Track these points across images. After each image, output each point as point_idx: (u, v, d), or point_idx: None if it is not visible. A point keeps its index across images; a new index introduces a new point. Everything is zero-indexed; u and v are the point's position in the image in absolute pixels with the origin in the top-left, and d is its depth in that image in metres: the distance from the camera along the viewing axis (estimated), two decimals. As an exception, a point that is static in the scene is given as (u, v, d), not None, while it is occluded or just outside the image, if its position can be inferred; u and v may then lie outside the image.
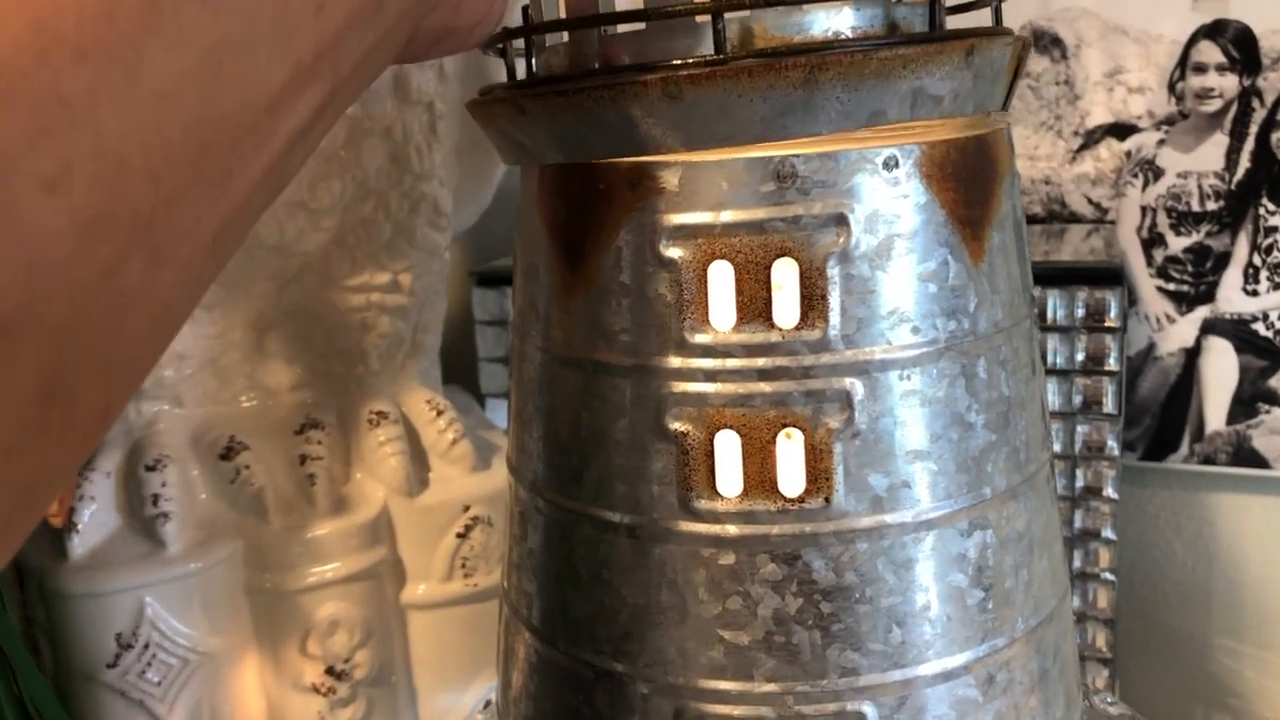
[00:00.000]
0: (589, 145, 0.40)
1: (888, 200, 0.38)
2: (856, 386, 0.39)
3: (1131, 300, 0.89)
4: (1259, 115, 0.83)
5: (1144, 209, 0.87)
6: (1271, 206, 0.84)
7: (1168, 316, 0.88)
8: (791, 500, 0.39)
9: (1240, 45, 0.82)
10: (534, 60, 0.42)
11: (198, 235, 0.24)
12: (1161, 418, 0.90)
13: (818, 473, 0.39)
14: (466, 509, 0.63)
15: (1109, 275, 0.69)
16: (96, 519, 0.58)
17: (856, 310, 0.39)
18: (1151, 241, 0.87)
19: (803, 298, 0.38)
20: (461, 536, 0.63)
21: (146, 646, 0.56)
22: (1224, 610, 0.97)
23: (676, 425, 0.40)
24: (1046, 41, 0.87)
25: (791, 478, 0.39)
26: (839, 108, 0.36)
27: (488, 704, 0.59)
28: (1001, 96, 0.41)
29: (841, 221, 0.38)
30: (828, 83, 0.36)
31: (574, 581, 0.43)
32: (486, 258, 1.00)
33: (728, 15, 0.37)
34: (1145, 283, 0.88)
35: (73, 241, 0.21)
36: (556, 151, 0.41)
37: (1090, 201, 0.88)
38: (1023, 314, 0.43)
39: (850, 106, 0.37)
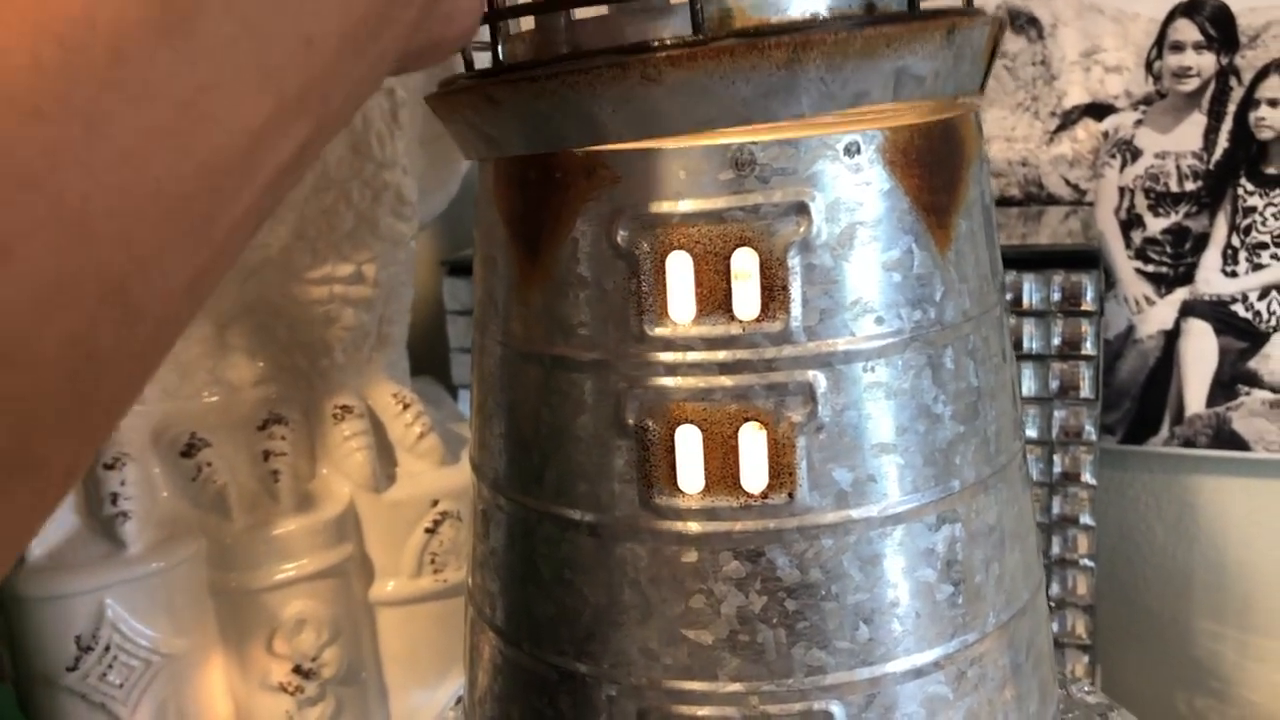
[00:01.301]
0: (563, 134, 0.39)
1: (850, 188, 0.38)
2: (819, 379, 0.38)
3: (1110, 283, 0.88)
4: (1237, 94, 0.82)
5: (1122, 190, 0.86)
6: (1250, 186, 0.83)
7: (1146, 299, 0.88)
8: (754, 496, 0.38)
9: (1217, 23, 0.82)
10: (500, 48, 0.41)
11: (174, 287, 0.23)
12: (1141, 400, 0.90)
13: (781, 468, 0.38)
14: (435, 504, 0.62)
15: (1085, 258, 0.68)
16: (54, 520, 0.57)
17: (819, 301, 0.38)
18: (1130, 223, 0.87)
19: (763, 289, 0.38)
20: (430, 532, 0.62)
21: (108, 649, 0.55)
22: (1205, 593, 0.96)
23: (636, 420, 0.39)
24: (1023, 21, 0.86)
25: (754, 473, 0.38)
26: (822, 89, 0.35)
27: (459, 700, 0.58)
28: (980, 78, 0.40)
29: (802, 210, 0.37)
30: (811, 63, 0.35)
31: (536, 581, 0.42)
32: (458, 246, 0.99)
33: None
34: (1124, 265, 0.88)
35: (30, 312, 0.20)
36: (526, 142, 0.40)
37: (1068, 183, 0.87)
38: (992, 302, 0.42)
39: (834, 87, 0.36)
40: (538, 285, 0.41)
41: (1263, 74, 0.81)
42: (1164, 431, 0.90)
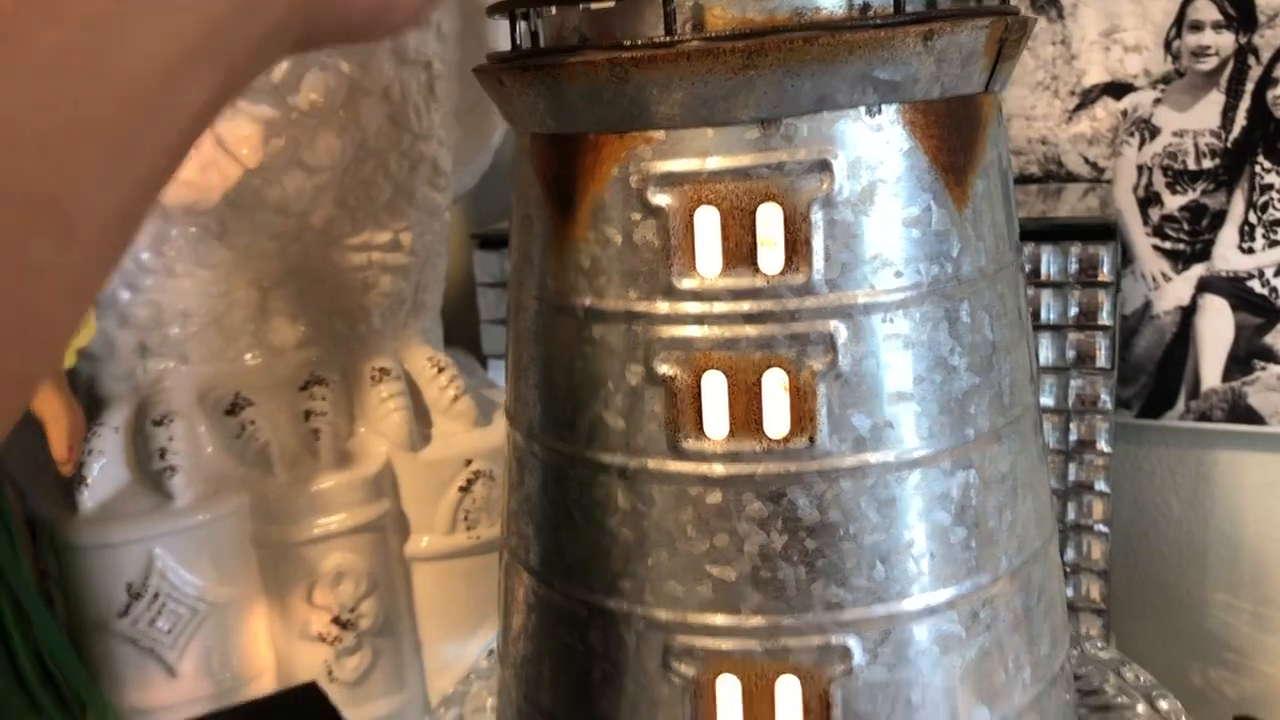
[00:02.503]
0: (555, 118, 0.41)
1: (871, 146, 0.39)
2: (840, 329, 0.40)
3: (1128, 259, 0.90)
4: (1255, 73, 0.83)
5: (1140, 168, 0.87)
6: (1267, 164, 0.84)
7: (1164, 275, 0.89)
8: (776, 440, 0.40)
9: (1237, 3, 0.82)
10: (518, 33, 0.43)
11: (105, 212, 0.25)
12: (1158, 375, 0.91)
13: (802, 413, 0.40)
14: (469, 463, 0.64)
15: (1102, 231, 0.69)
16: (106, 473, 0.59)
17: (840, 255, 0.39)
18: (1148, 200, 0.88)
19: (787, 243, 0.39)
20: (464, 490, 0.64)
21: (156, 596, 0.58)
22: (1220, 566, 0.97)
23: (665, 369, 0.41)
24: (1043, 1, 0.87)
25: (776, 418, 0.40)
26: (782, 91, 0.37)
27: (491, 653, 0.60)
28: (981, 79, 0.41)
29: (825, 167, 0.39)
30: (767, 67, 0.36)
31: (569, 523, 0.44)
32: (488, 220, 1.01)
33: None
34: (1141, 241, 0.89)
35: None
36: (537, 120, 0.42)
37: (1087, 161, 0.89)
38: (1008, 260, 0.44)
39: (794, 91, 0.37)
40: (572, 241, 0.42)
41: (1280, 53, 0.82)
42: (1180, 406, 0.91)
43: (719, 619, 0.42)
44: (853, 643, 0.41)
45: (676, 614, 0.42)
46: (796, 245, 0.39)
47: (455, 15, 0.64)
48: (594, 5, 0.41)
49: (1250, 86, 0.84)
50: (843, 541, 0.41)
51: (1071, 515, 0.73)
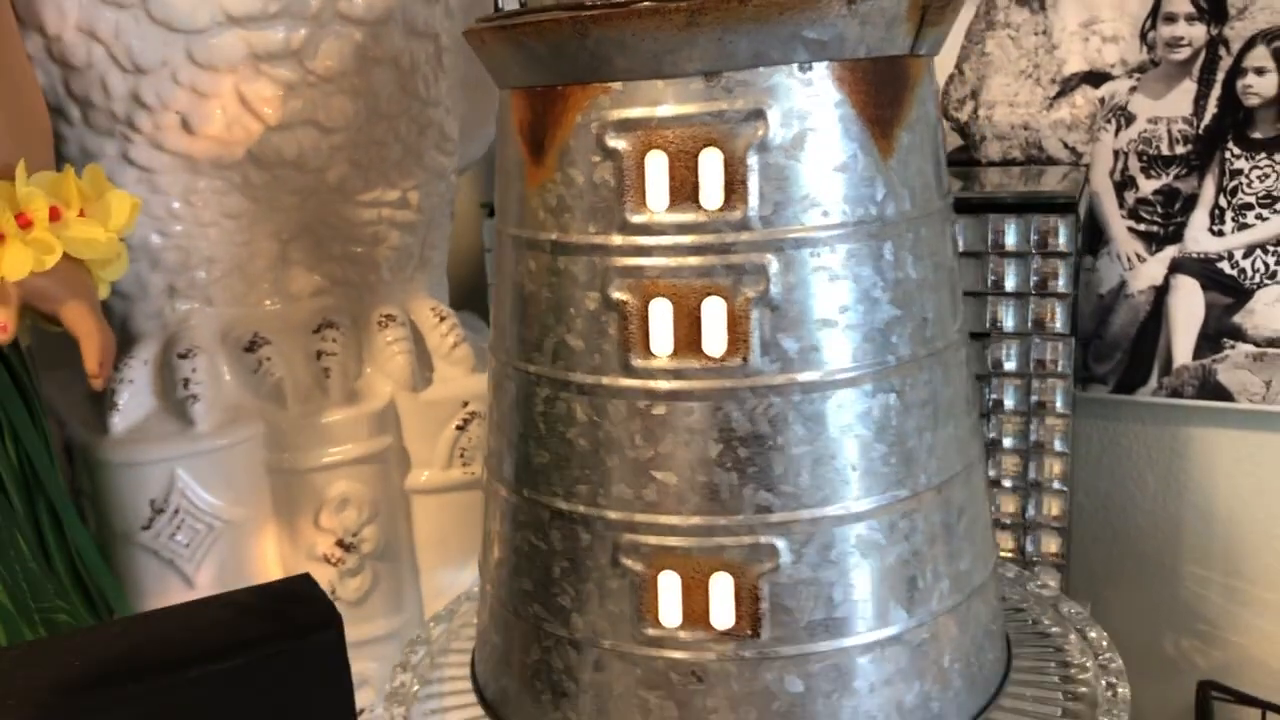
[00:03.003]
0: (528, 72, 0.46)
1: (803, 99, 0.44)
2: (772, 261, 0.44)
3: (1105, 240, 0.93)
4: (1225, 63, 0.87)
5: (1116, 153, 0.91)
6: (1237, 150, 0.88)
7: (1138, 255, 0.92)
8: (714, 359, 0.45)
9: (1209, -5, 0.86)
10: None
11: None
12: (1132, 352, 0.94)
13: (737, 336, 0.45)
14: (465, 404, 0.69)
15: (1062, 206, 0.73)
16: (135, 400, 0.65)
17: (773, 195, 0.44)
18: (1123, 184, 0.91)
19: (726, 183, 0.44)
20: (460, 429, 0.69)
21: (176, 512, 0.63)
22: (1194, 539, 1.01)
23: (618, 295, 0.45)
24: (1027, -7, 0.91)
25: (715, 340, 0.45)
26: (721, 48, 0.42)
27: (481, 578, 0.65)
28: (906, 43, 0.46)
29: (760, 116, 0.43)
30: (708, 25, 0.41)
31: (535, 435, 0.49)
32: (502, 195, 1.06)
33: None
34: (1117, 223, 0.93)
35: None
36: (514, 75, 0.48)
37: (1066, 146, 0.92)
38: (934, 207, 0.48)
39: (733, 47, 0.42)
40: (542, 183, 0.47)
41: (1250, 44, 0.86)
42: (1153, 382, 0.94)
43: (661, 519, 0.46)
44: (780, 543, 0.46)
45: (625, 515, 0.47)
46: (734, 185, 0.44)
47: (463, -8, 0.69)
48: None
49: (1221, 76, 0.87)
50: (771, 451, 0.45)
51: (1032, 474, 0.77)
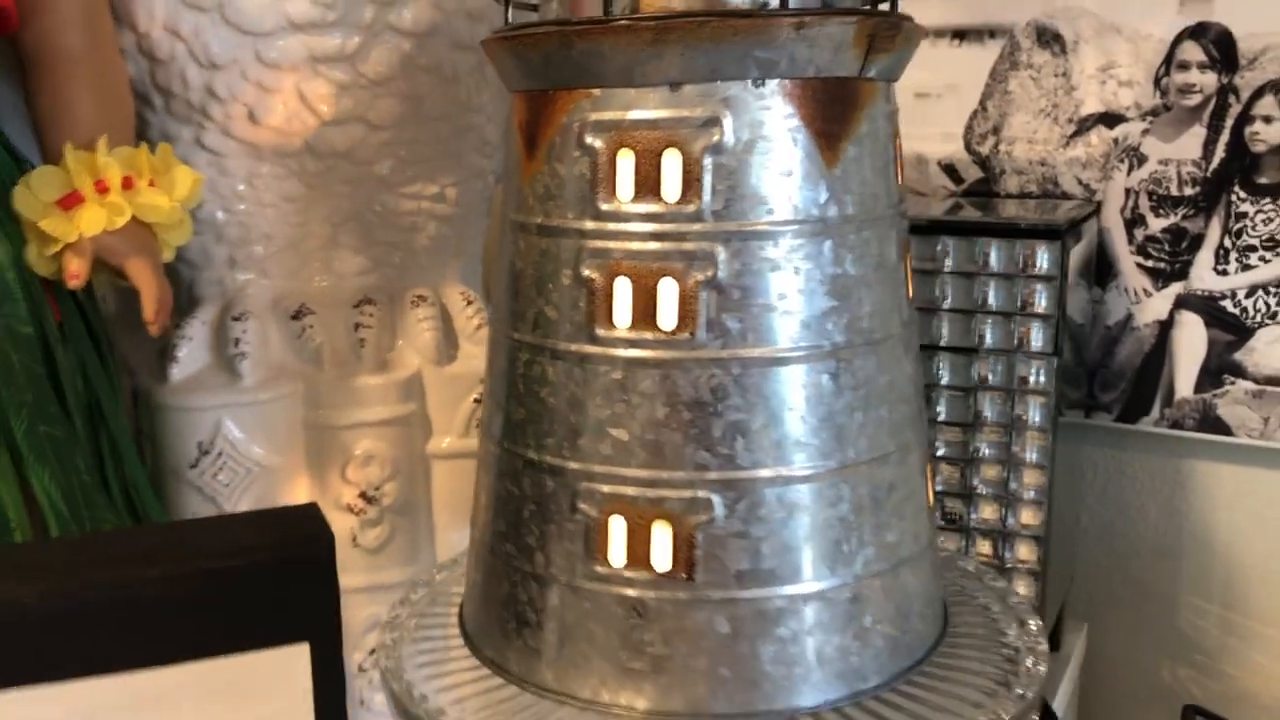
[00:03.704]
0: (526, 77, 0.53)
1: (755, 110, 0.50)
2: (720, 250, 0.50)
3: (1113, 274, 0.97)
4: (1234, 110, 0.90)
5: (1128, 191, 0.95)
6: (1243, 194, 0.91)
7: (1145, 290, 0.96)
8: (666, 333, 0.51)
9: (1220, 46, 0.90)
10: (509, 13, 0.56)
11: None
12: (1136, 383, 0.98)
13: (686, 313, 0.51)
14: (483, 380, 0.76)
15: (1047, 232, 0.78)
16: (192, 355, 0.73)
17: (725, 192, 0.50)
18: (1133, 221, 0.95)
19: (684, 180, 0.50)
20: (478, 401, 0.76)
21: (220, 454, 0.71)
22: (1193, 571, 1.03)
23: (588, 272, 0.52)
24: (1048, 37, 0.95)
25: (667, 316, 0.51)
26: (683, 62, 0.48)
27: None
28: (855, 66, 0.51)
29: (715, 123, 0.50)
30: (672, 43, 0.48)
31: (515, 394, 0.56)
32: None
33: None
34: (1126, 259, 0.96)
35: None
36: (516, 80, 0.55)
37: (1080, 183, 0.96)
38: (878, 214, 0.54)
39: (693, 63, 0.48)
40: (533, 173, 0.54)
41: (1259, 93, 0.89)
42: (1155, 413, 0.98)
43: (614, 470, 0.52)
44: (715, 498, 0.51)
45: (584, 465, 0.53)
46: (690, 182, 0.50)
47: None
48: (557, -7, 0.53)
49: (1229, 122, 0.91)
50: (711, 417, 0.51)
51: (1012, 485, 0.81)
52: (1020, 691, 0.56)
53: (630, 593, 0.52)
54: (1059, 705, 0.95)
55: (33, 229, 0.60)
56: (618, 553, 0.53)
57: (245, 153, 0.72)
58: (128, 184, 0.61)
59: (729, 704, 0.52)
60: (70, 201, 0.60)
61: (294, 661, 0.53)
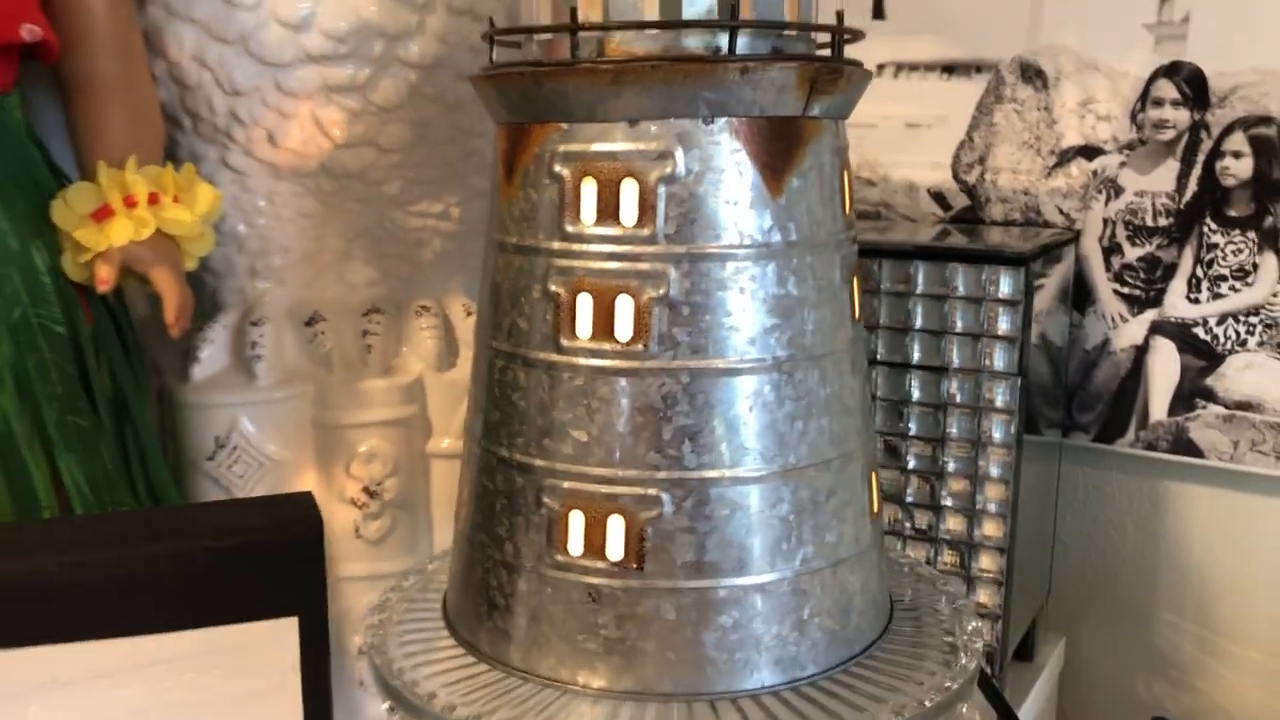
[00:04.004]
0: (506, 111, 0.59)
1: (706, 145, 0.55)
2: (671, 270, 0.55)
3: (1091, 300, 1.01)
4: (1206, 145, 0.94)
5: (1105, 221, 0.99)
6: (1214, 226, 0.95)
7: (1121, 316, 1.00)
8: (622, 344, 0.56)
9: (1192, 84, 0.93)
10: (493, 54, 0.61)
11: None
12: (1112, 405, 1.01)
13: (641, 327, 0.56)
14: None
15: (1011, 258, 0.82)
16: (213, 356, 0.79)
17: (676, 218, 0.55)
18: (1110, 250, 0.99)
19: (640, 206, 0.55)
20: (475, 406, 0.82)
21: (235, 448, 0.77)
22: (1168, 588, 1.06)
23: (554, 288, 0.57)
24: (1031, 72, 1.00)
25: (624, 328, 0.56)
26: (639, 103, 0.53)
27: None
28: (798, 106, 0.56)
29: (668, 156, 0.55)
30: (628, 84, 0.53)
31: (492, 398, 0.61)
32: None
33: (582, 34, 0.55)
34: (1103, 285, 1.00)
35: None
36: (499, 113, 0.60)
37: (1061, 212, 1.00)
38: (821, 241, 0.58)
39: (647, 102, 0.53)
40: (510, 198, 0.60)
41: (1228, 130, 0.93)
42: (1130, 434, 1.01)
43: (573, 468, 0.57)
44: (664, 496, 0.56)
45: (547, 463, 0.58)
46: (645, 209, 0.55)
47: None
48: (538, 38, 0.59)
49: (1201, 157, 0.94)
50: (661, 421, 0.56)
51: (977, 498, 0.85)
52: (949, 684, 0.60)
53: (587, 580, 0.57)
54: (1031, 712, 0.98)
55: (68, 239, 0.67)
56: (576, 543, 0.58)
57: (265, 172, 0.78)
58: (154, 199, 0.67)
59: (674, 684, 0.57)
60: (102, 214, 0.67)
61: (285, 633, 0.58)
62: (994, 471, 0.84)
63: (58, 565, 0.54)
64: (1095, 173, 0.99)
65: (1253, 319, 0.94)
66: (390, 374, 0.81)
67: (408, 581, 0.72)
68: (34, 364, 0.63)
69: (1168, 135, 0.95)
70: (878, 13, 1.06)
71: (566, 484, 0.58)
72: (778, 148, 0.56)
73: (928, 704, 0.58)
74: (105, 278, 0.66)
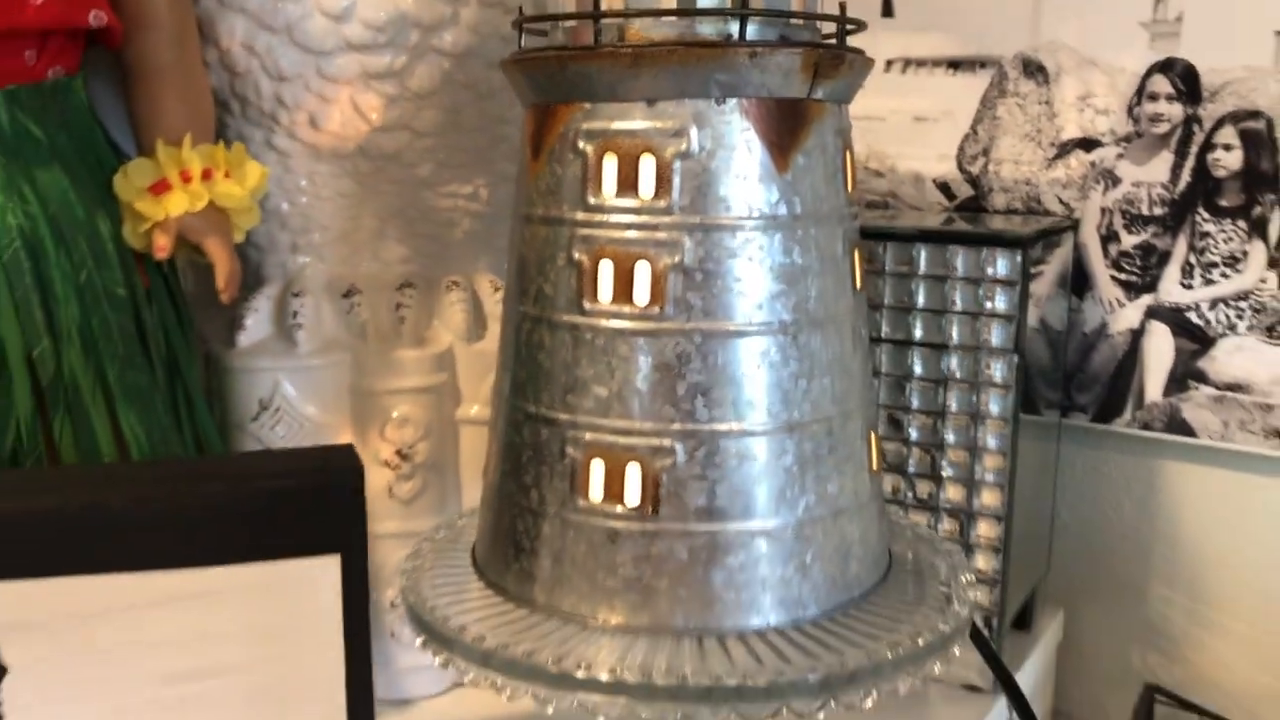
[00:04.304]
0: (534, 93, 0.63)
1: (718, 123, 0.60)
2: (686, 239, 0.60)
3: (1090, 285, 1.05)
4: (1198, 138, 0.98)
5: (1103, 210, 1.03)
6: (1206, 215, 0.99)
7: (1118, 301, 1.04)
8: (640, 307, 0.61)
9: (1186, 79, 0.97)
10: (522, 40, 0.66)
11: None
12: (1109, 386, 1.05)
13: (657, 291, 0.60)
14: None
15: (1009, 240, 0.86)
16: (257, 325, 0.84)
17: (690, 191, 0.60)
18: (1108, 238, 1.03)
19: (656, 180, 0.60)
20: (501, 376, 0.87)
21: (278, 410, 0.82)
22: (1162, 563, 1.10)
23: (578, 255, 0.62)
24: (1033, 68, 1.04)
25: (641, 292, 0.60)
26: (656, 84, 0.58)
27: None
28: (803, 89, 0.61)
29: (683, 134, 0.59)
30: (646, 67, 0.57)
31: (519, 358, 0.66)
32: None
33: (604, 21, 0.59)
34: (1101, 272, 1.04)
35: None
36: (527, 96, 0.65)
37: (1061, 201, 1.05)
38: (824, 215, 0.63)
39: (664, 84, 0.58)
40: (537, 173, 0.64)
41: (1219, 123, 0.97)
42: (1127, 415, 1.05)
43: (595, 420, 0.62)
44: (677, 446, 0.61)
45: (570, 416, 0.63)
46: (662, 183, 0.60)
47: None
48: (563, 25, 0.63)
49: (1194, 149, 0.98)
50: (676, 378, 0.61)
51: (978, 473, 0.90)
52: (943, 627, 0.64)
53: (606, 523, 0.62)
54: (1029, 679, 1.03)
55: (128, 209, 0.72)
56: (597, 490, 0.62)
57: (306, 153, 0.83)
58: (207, 175, 0.72)
59: (686, 620, 0.62)
60: (160, 188, 0.72)
61: (327, 569, 0.63)
62: (992, 443, 0.88)
63: (121, 501, 0.59)
64: (1093, 164, 1.03)
65: (1242, 304, 0.98)
66: (422, 344, 0.86)
67: (438, 534, 0.76)
68: (98, 323, 0.68)
69: (1162, 128, 0.99)
70: (887, 10, 1.10)
71: (588, 435, 0.62)
72: (784, 127, 0.61)
73: (921, 643, 0.62)
74: (163, 245, 0.71)
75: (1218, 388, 1.01)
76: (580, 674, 0.59)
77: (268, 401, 0.82)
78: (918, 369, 0.90)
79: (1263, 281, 0.97)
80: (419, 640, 0.65)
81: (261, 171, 0.74)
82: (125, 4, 0.73)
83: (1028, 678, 1.01)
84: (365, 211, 0.86)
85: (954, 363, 0.89)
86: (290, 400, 0.82)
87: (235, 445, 0.83)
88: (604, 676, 0.58)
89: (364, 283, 0.87)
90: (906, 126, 1.11)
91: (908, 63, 1.10)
